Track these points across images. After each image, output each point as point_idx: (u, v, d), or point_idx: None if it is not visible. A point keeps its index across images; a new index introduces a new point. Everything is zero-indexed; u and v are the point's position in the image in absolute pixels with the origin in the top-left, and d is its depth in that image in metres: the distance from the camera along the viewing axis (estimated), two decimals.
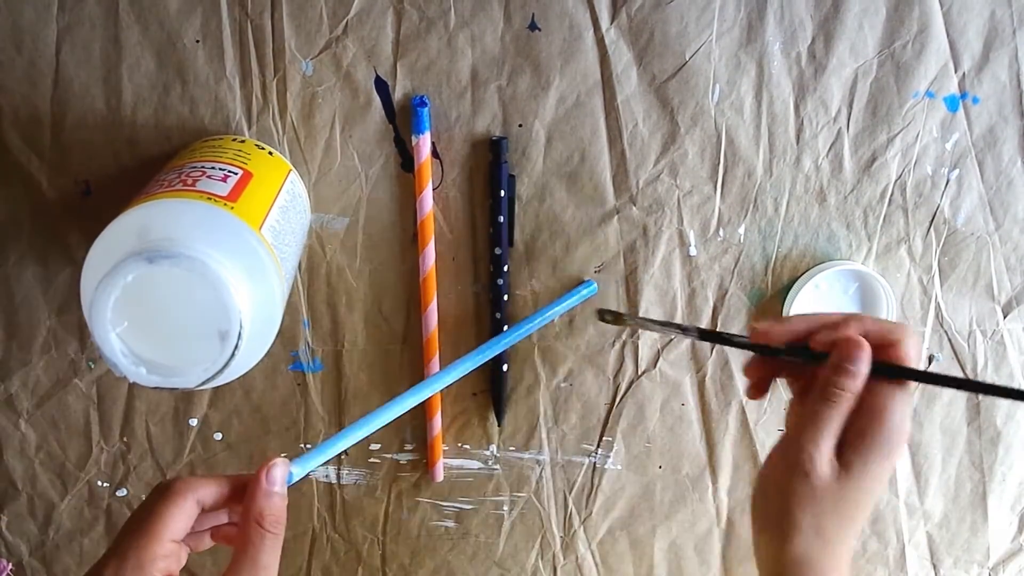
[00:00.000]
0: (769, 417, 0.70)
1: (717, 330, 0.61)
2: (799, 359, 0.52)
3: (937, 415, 0.71)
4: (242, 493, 0.47)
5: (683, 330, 0.57)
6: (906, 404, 0.49)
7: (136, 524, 0.45)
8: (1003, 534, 0.74)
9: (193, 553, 0.50)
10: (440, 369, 0.68)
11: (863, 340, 0.49)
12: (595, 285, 0.66)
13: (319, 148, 0.63)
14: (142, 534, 0.45)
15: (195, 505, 0.47)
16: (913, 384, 0.49)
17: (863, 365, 0.48)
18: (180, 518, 0.46)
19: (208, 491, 0.47)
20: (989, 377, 0.70)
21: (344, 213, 0.65)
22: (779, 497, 0.49)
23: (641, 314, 0.67)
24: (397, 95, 0.63)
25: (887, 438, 0.48)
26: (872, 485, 0.49)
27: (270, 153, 0.61)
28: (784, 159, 0.65)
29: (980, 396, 0.70)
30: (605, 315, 0.61)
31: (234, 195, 0.52)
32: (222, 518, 0.50)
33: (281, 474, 0.47)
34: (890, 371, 0.49)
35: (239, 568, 0.45)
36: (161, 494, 0.46)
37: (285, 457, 0.48)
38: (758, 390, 0.55)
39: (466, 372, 0.58)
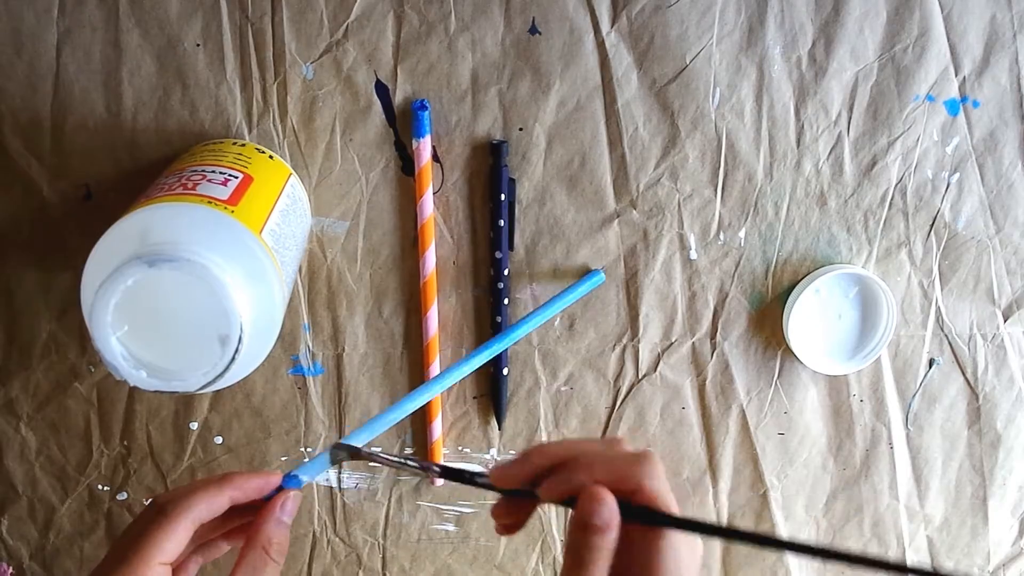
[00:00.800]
0: (769, 421, 0.70)
1: (458, 468, 0.49)
2: (533, 500, 0.45)
3: (938, 419, 0.71)
4: (242, 502, 0.47)
5: (423, 468, 0.52)
6: (678, 551, 0.42)
7: (126, 546, 0.45)
8: (1003, 538, 0.74)
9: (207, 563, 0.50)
10: (441, 372, 0.68)
11: (601, 490, 0.42)
12: (602, 275, 0.66)
13: (319, 152, 0.63)
14: (131, 558, 0.44)
15: (190, 526, 0.46)
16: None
17: (604, 517, 0.41)
18: (172, 541, 0.45)
19: (205, 508, 0.47)
20: (989, 381, 0.70)
21: (344, 217, 0.65)
22: None
23: (641, 318, 0.67)
24: (397, 99, 0.63)
25: None
26: None
27: (271, 157, 0.61)
28: (784, 163, 0.65)
29: (980, 400, 0.70)
30: (339, 453, 0.50)
31: (235, 199, 0.52)
32: (223, 527, 0.50)
33: (293, 507, 0.48)
34: (642, 516, 0.42)
35: None
36: (153, 517, 0.46)
37: (282, 464, 0.48)
38: (509, 529, 0.48)
39: (479, 364, 0.58)
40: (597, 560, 0.41)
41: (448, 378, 0.57)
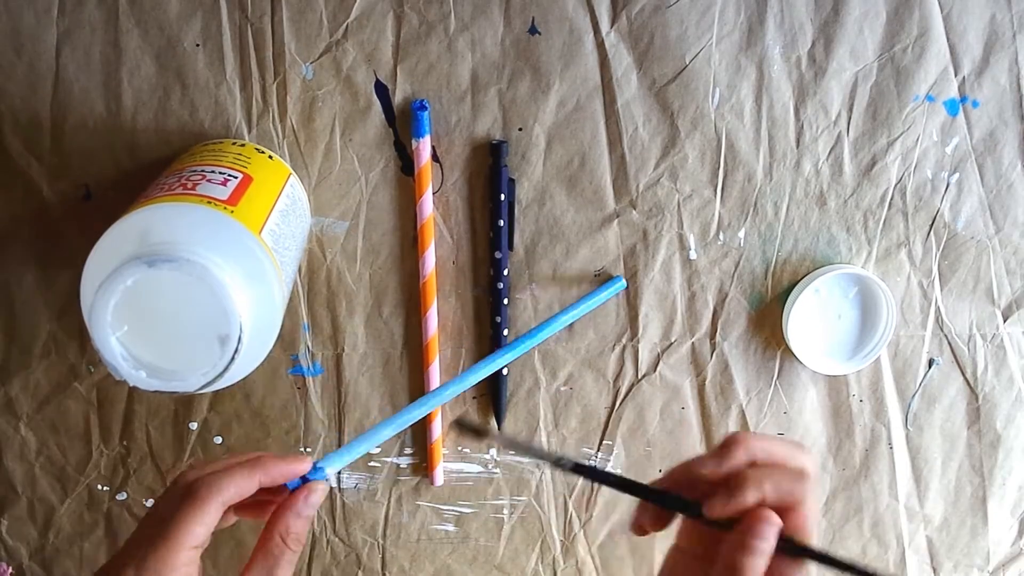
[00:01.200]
0: (769, 421, 0.70)
1: (596, 466, 0.50)
2: (694, 518, 0.45)
3: (937, 419, 0.71)
4: (268, 483, 0.48)
5: (556, 462, 0.48)
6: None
7: (157, 529, 0.45)
8: (1003, 538, 0.74)
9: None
10: (442, 373, 0.68)
11: (772, 515, 0.43)
12: (623, 281, 0.66)
13: (319, 152, 0.63)
14: (162, 541, 0.44)
15: (219, 510, 0.46)
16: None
17: (770, 543, 0.42)
18: (202, 525, 0.45)
19: (234, 492, 0.47)
20: (989, 381, 0.70)
21: (344, 217, 0.65)
22: None
23: (641, 318, 0.67)
24: (397, 99, 0.63)
25: None
26: None
27: (270, 157, 0.61)
28: (784, 163, 0.65)
29: (980, 400, 0.70)
30: (464, 426, 0.51)
31: (234, 199, 0.52)
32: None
33: (318, 499, 0.48)
34: (796, 550, 0.43)
35: (255, 571, 0.46)
36: (184, 498, 0.46)
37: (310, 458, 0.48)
38: (644, 531, 0.47)
39: (501, 364, 0.59)
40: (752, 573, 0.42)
41: (472, 377, 0.58)
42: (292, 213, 0.58)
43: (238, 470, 0.47)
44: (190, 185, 0.52)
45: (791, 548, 0.43)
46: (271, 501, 0.49)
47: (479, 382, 0.68)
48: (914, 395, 0.70)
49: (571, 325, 0.67)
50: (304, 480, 0.50)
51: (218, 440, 0.69)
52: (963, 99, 0.64)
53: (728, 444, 0.45)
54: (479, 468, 0.71)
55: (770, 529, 0.42)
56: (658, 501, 0.46)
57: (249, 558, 0.48)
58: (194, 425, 0.68)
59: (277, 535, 0.47)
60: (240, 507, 0.49)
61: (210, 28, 0.61)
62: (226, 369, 0.49)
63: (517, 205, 0.65)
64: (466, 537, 0.73)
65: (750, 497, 0.43)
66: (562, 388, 0.69)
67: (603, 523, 0.73)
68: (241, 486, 0.47)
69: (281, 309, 0.54)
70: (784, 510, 0.43)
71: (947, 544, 0.74)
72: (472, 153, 0.64)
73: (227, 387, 0.52)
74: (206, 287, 0.47)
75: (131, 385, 0.49)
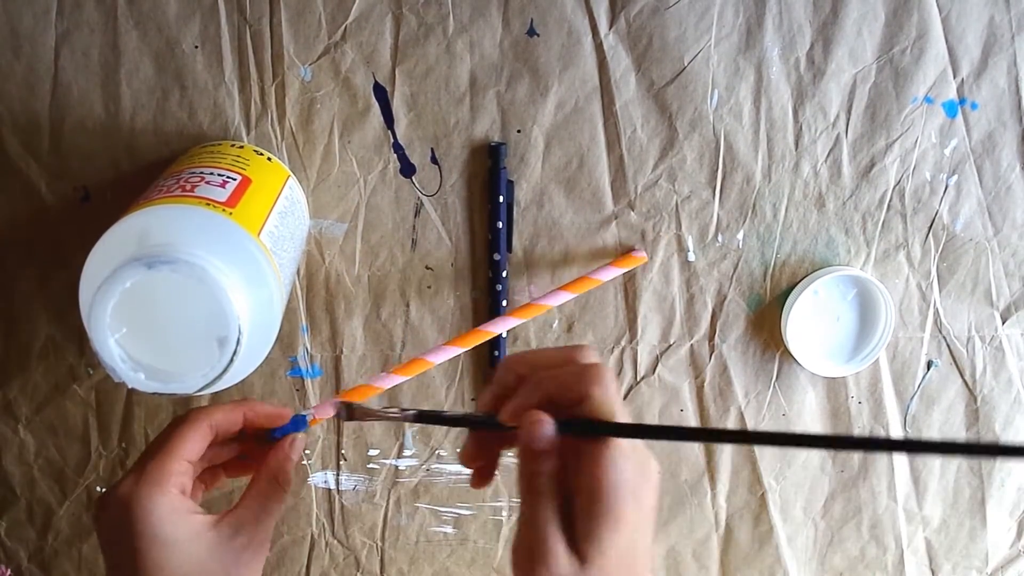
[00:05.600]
0: (767, 423, 0.70)
1: (432, 411, 0.52)
2: (496, 430, 0.46)
3: (936, 421, 0.71)
4: (253, 425, 0.52)
5: (402, 414, 0.52)
6: (620, 463, 0.42)
7: (154, 447, 0.49)
8: (1002, 540, 0.74)
9: (209, 492, 0.54)
10: (440, 374, 0.68)
11: (539, 415, 0.43)
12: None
13: (318, 154, 0.63)
14: (159, 453, 0.48)
15: (208, 429, 0.50)
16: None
17: (545, 440, 0.42)
18: (195, 439, 0.49)
19: (221, 417, 0.50)
20: (988, 383, 0.70)
21: (343, 219, 0.65)
22: None
23: (639, 320, 0.67)
24: (396, 101, 0.63)
25: (611, 510, 0.41)
26: (620, 556, 0.42)
27: (269, 159, 0.61)
28: (783, 165, 0.65)
29: (978, 402, 0.70)
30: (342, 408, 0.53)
31: (233, 201, 0.52)
32: (232, 453, 0.54)
33: (299, 448, 0.52)
34: (580, 428, 0.43)
35: (246, 504, 0.49)
36: (176, 422, 0.50)
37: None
38: (483, 476, 0.49)
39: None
40: (546, 485, 0.42)
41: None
42: (291, 215, 0.58)
43: (226, 403, 0.52)
44: (189, 187, 0.52)
45: (585, 428, 0.42)
46: (256, 464, 0.52)
47: (479, 384, 0.69)
48: (913, 397, 0.70)
49: (570, 327, 0.67)
50: (288, 429, 0.53)
51: None
52: (962, 101, 0.64)
53: (496, 369, 0.47)
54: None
55: (537, 429, 0.42)
56: (457, 423, 0.49)
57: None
58: None
59: (270, 475, 0.50)
60: (229, 466, 0.54)
61: (209, 30, 0.61)
62: (225, 371, 0.49)
63: (516, 207, 0.65)
64: (465, 539, 0.73)
65: (526, 397, 0.44)
66: None
67: None
68: (228, 414, 0.51)
69: (280, 311, 0.54)
70: (573, 403, 0.43)
71: (946, 546, 0.74)
72: (471, 155, 0.64)
73: (226, 389, 0.52)
74: (205, 289, 0.47)
75: (130, 387, 0.49)
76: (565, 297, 0.63)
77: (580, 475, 0.42)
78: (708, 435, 0.42)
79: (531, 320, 0.67)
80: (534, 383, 0.44)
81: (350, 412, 0.51)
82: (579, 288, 0.63)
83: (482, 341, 0.61)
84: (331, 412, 0.52)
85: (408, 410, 0.51)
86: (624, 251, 0.66)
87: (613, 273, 0.64)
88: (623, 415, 0.43)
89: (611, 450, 0.42)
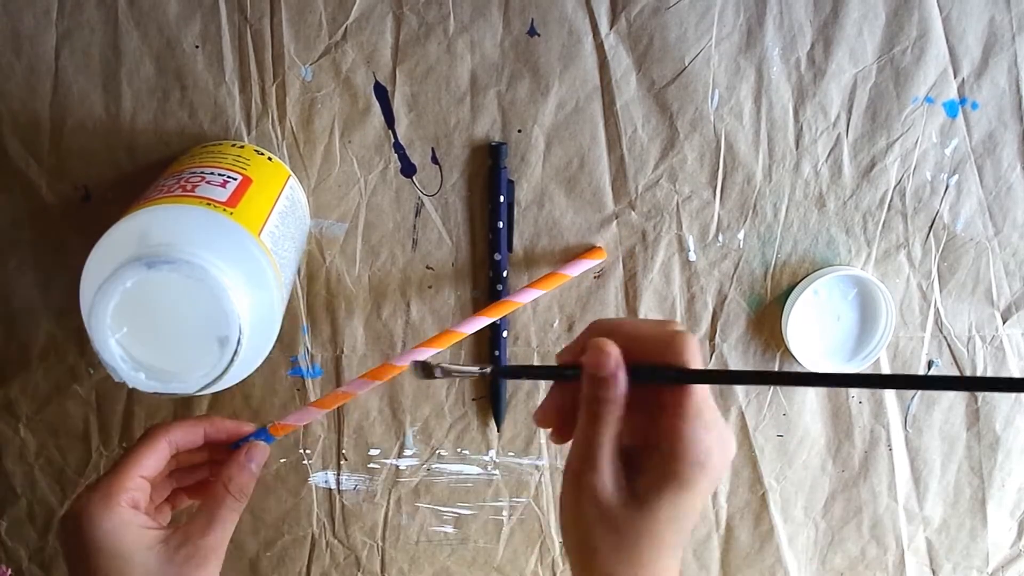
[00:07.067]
0: (768, 422, 0.70)
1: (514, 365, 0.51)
2: (574, 380, 0.45)
3: (936, 420, 0.71)
4: (214, 441, 0.54)
5: (481, 371, 0.50)
6: (701, 432, 0.42)
7: (114, 464, 0.51)
8: (1002, 539, 0.74)
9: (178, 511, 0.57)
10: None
11: (607, 343, 0.43)
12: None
13: (318, 153, 0.63)
14: (115, 469, 0.50)
15: (167, 445, 0.52)
16: (701, 393, 0.43)
17: (609, 368, 0.43)
18: (150, 455, 0.51)
19: (180, 434, 0.53)
20: None
21: (343, 218, 0.65)
22: (576, 527, 0.44)
23: (641, 318, 0.67)
24: (396, 100, 0.63)
25: (680, 465, 0.42)
26: (674, 515, 0.43)
27: (269, 158, 0.61)
28: (783, 164, 0.65)
29: (979, 402, 0.70)
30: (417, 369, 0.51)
31: (233, 200, 0.52)
32: (204, 473, 0.56)
33: (260, 456, 0.53)
34: (653, 373, 0.43)
35: (198, 516, 0.51)
36: (138, 440, 0.52)
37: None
38: (562, 432, 0.48)
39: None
40: (607, 413, 0.43)
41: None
42: (291, 215, 0.58)
43: (187, 419, 0.54)
44: (189, 187, 0.53)
45: (652, 372, 0.43)
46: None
47: (479, 384, 0.69)
48: (913, 397, 0.70)
49: (570, 327, 0.67)
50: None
51: None
52: (962, 101, 0.64)
53: (583, 332, 0.47)
54: (478, 470, 0.71)
55: (602, 357, 0.43)
56: (537, 375, 0.50)
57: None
58: None
59: (221, 483, 0.52)
60: (192, 490, 0.56)
61: (209, 30, 0.61)
62: (225, 371, 0.49)
63: (516, 207, 0.65)
64: (465, 539, 0.73)
65: (605, 338, 0.44)
66: None
67: None
68: (187, 431, 0.53)
69: (280, 311, 0.54)
70: (658, 352, 0.43)
71: (946, 546, 0.74)
72: (471, 155, 0.64)
73: (226, 388, 0.52)
74: (205, 289, 0.47)
75: (130, 387, 0.49)
76: (535, 294, 0.63)
77: (661, 432, 0.43)
78: (776, 378, 0.43)
79: (532, 320, 0.67)
80: (618, 337, 0.44)
81: (427, 370, 0.49)
82: (548, 284, 0.63)
83: (455, 341, 0.60)
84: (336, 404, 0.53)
85: (486, 367, 0.49)
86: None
87: (582, 267, 0.65)
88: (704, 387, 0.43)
89: (696, 416, 0.42)
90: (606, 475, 0.43)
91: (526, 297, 0.63)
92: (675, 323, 0.46)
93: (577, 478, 0.44)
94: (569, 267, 0.64)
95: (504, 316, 0.66)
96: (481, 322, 0.61)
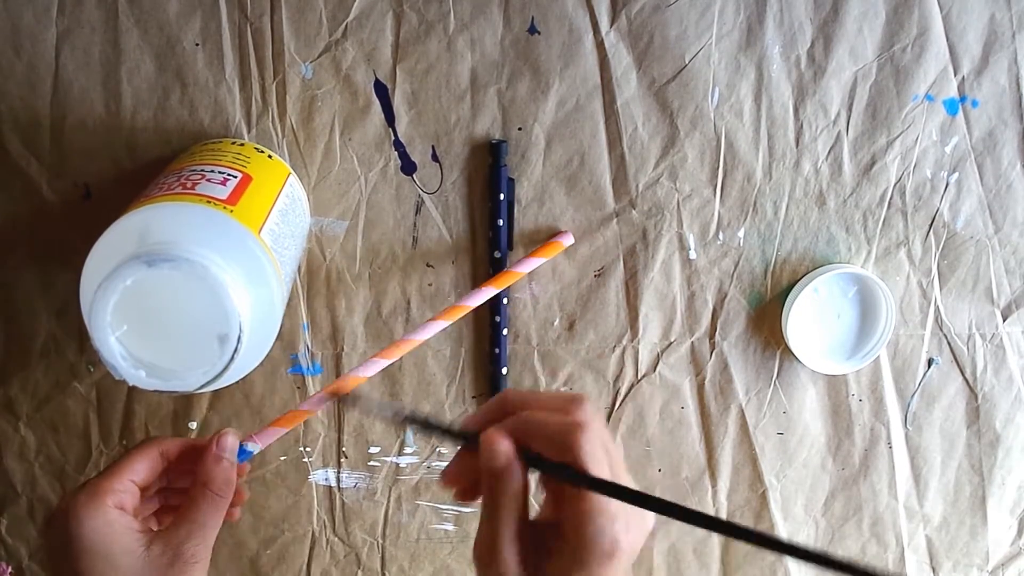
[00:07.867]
0: (768, 420, 0.70)
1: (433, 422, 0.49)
2: (465, 447, 0.46)
3: (936, 418, 0.71)
4: (202, 447, 0.53)
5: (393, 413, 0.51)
6: (604, 515, 0.41)
7: (105, 469, 0.51)
8: (1002, 537, 0.74)
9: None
10: (440, 373, 0.68)
11: (498, 438, 0.43)
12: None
13: (318, 151, 0.63)
14: (104, 472, 0.51)
15: (159, 455, 0.52)
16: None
17: (500, 463, 0.42)
18: (142, 462, 0.51)
19: (171, 444, 0.53)
20: (988, 381, 0.70)
21: (343, 216, 0.65)
22: None
23: (641, 318, 0.67)
24: (396, 98, 0.63)
25: (588, 556, 0.41)
26: None
27: (269, 156, 0.61)
28: (783, 162, 0.65)
29: (979, 399, 0.70)
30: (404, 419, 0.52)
31: (234, 198, 0.52)
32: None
33: (231, 443, 0.52)
34: (551, 468, 0.43)
35: (179, 521, 0.50)
36: (129, 450, 0.52)
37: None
38: (467, 493, 0.48)
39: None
40: (505, 505, 0.43)
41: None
42: (291, 212, 0.58)
43: (184, 438, 0.55)
44: (189, 184, 0.53)
45: (569, 475, 0.42)
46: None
47: (479, 383, 0.69)
48: (913, 395, 0.70)
49: (571, 326, 0.67)
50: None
51: None
52: (962, 99, 0.64)
53: (492, 399, 0.47)
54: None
55: (493, 449, 0.43)
56: (438, 434, 0.48)
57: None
58: (193, 424, 0.68)
59: (199, 482, 0.51)
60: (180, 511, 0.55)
61: (209, 27, 0.61)
62: (225, 368, 0.49)
63: (516, 205, 0.65)
64: (466, 536, 0.73)
65: (503, 425, 0.44)
66: (562, 389, 0.69)
67: None
68: (177, 445, 0.53)
69: (280, 308, 0.54)
70: (562, 448, 0.42)
71: (946, 543, 0.74)
72: (471, 152, 0.64)
73: (226, 386, 0.52)
74: (206, 286, 0.47)
75: (130, 384, 0.49)
76: (489, 293, 0.62)
77: (567, 520, 0.42)
78: (668, 508, 0.41)
79: (532, 318, 0.67)
80: (519, 420, 0.44)
81: (350, 403, 0.50)
82: (502, 283, 0.63)
83: (405, 352, 0.60)
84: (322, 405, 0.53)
85: (400, 411, 0.52)
86: (551, 243, 0.66)
87: (534, 263, 0.64)
88: (601, 474, 0.42)
89: (600, 512, 0.41)
90: (511, 566, 0.42)
91: (478, 299, 0.62)
92: (580, 404, 0.44)
93: (484, 568, 0.43)
94: (524, 263, 0.64)
95: (505, 315, 0.66)
96: (439, 325, 0.60)
